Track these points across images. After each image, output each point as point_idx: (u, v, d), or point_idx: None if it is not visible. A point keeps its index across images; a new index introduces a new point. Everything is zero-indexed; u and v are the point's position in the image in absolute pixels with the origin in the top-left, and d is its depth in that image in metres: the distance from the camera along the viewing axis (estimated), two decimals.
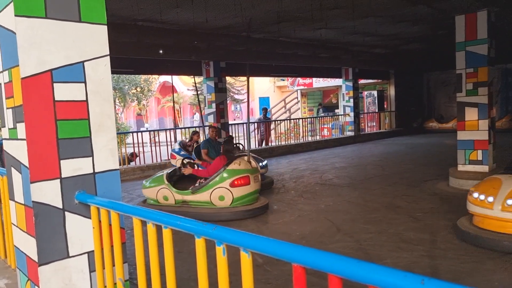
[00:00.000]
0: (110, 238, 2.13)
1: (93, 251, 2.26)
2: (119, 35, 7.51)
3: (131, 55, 9.20)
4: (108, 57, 2.38)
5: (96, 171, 2.32)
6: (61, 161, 2.18)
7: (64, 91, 2.19)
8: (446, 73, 18.43)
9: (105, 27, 2.36)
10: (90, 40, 2.29)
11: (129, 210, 1.88)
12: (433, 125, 18.86)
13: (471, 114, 6.89)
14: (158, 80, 29.01)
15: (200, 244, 1.46)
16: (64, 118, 2.20)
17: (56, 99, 2.16)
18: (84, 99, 2.27)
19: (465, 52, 6.85)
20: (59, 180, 2.18)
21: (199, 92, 11.75)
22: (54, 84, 2.16)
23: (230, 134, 11.62)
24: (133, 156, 11.23)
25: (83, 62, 2.26)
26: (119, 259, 2.09)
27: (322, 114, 18.32)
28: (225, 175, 5.72)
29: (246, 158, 6.26)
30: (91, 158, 2.30)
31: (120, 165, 10.20)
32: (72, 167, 2.22)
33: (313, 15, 7.33)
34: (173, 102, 12.52)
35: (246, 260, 1.29)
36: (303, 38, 10.08)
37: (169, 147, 11.07)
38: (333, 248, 4.39)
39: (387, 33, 9.82)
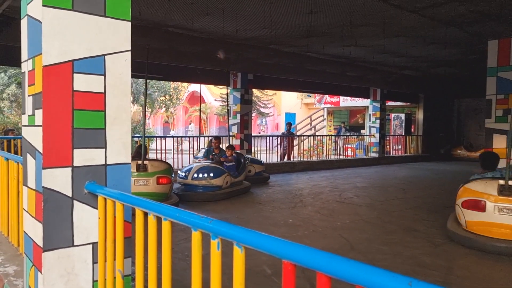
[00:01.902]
0: (114, 231, 2.13)
1: (97, 242, 2.27)
2: (150, 40, 7.68)
3: (161, 61, 9.39)
4: (129, 52, 2.42)
5: (108, 163, 2.34)
6: (74, 150, 2.22)
7: (83, 82, 2.24)
8: (478, 101, 17.96)
9: (129, 23, 2.41)
10: (113, 35, 2.34)
11: (132, 200, 1.88)
12: (461, 153, 18.37)
13: (499, 142, 6.66)
14: (187, 89, 29.48)
15: (196, 237, 1.45)
16: (81, 108, 2.24)
17: (74, 89, 2.21)
18: (102, 91, 2.31)
19: (496, 78, 6.67)
20: (70, 168, 2.21)
21: (226, 103, 11.86)
22: (74, 75, 2.21)
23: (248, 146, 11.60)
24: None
25: (104, 55, 2.31)
26: (120, 252, 2.08)
27: (343, 134, 18.11)
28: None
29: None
30: (104, 149, 2.32)
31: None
32: (84, 156, 2.25)
33: (342, 32, 7.32)
34: (200, 110, 12.63)
35: (238, 256, 1.26)
36: (332, 55, 10.06)
37: (192, 155, 11.18)
38: None
39: (417, 54, 9.69)
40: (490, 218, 4.80)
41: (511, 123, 5.58)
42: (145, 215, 1.78)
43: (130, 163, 2.43)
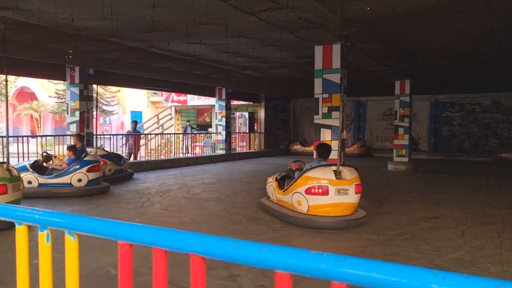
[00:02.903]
0: None
1: None
2: None
3: None
4: None
5: None
6: None
7: None
8: (310, 101, 20.12)
9: None
10: None
11: None
12: (297, 148, 20.36)
13: (325, 135, 7.60)
14: (14, 84, 25.98)
15: (21, 232, 1.31)
16: None
17: None
18: None
19: (322, 79, 7.59)
20: None
21: (62, 100, 10.87)
22: None
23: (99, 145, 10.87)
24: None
25: None
26: None
27: (189, 132, 18.37)
28: None
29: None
30: None
31: None
32: None
33: (187, 29, 7.39)
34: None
35: (71, 244, 1.19)
36: (178, 52, 10.06)
37: (23, 159, 9.94)
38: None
39: (257, 55, 10.39)
40: (331, 200, 5.57)
41: (340, 119, 6.59)
42: None
43: None
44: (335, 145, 7.57)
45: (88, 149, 9.11)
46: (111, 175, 9.75)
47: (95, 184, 8.26)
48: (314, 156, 6.50)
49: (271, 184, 6.73)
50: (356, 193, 5.71)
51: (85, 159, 8.16)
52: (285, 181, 6.68)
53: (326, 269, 0.82)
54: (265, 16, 6.06)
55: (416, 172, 12.71)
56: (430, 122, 18.40)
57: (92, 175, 8.11)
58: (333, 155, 7.59)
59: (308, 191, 5.64)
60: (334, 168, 5.75)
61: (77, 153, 8.35)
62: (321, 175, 5.67)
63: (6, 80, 5.96)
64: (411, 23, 7.24)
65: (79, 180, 7.93)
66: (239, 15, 6.14)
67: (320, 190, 5.56)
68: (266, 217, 6.29)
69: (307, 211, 5.71)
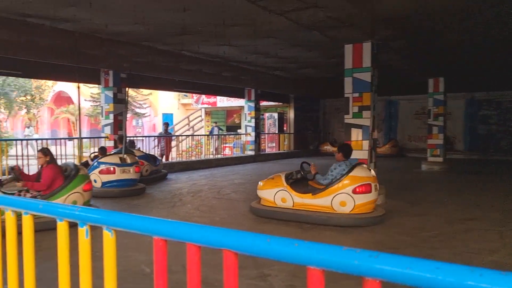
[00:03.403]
0: None
1: None
2: (3, 31, 6.87)
3: (18, 56, 8.45)
4: None
5: None
6: None
7: None
8: (340, 101, 19.90)
9: None
10: None
11: None
12: (327, 148, 20.15)
13: (356, 135, 7.50)
14: (52, 88, 26.98)
15: (62, 228, 1.37)
16: None
17: None
18: None
19: (352, 78, 7.50)
20: None
21: (97, 104, 11.20)
22: None
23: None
24: (13, 170, 10.13)
25: None
26: None
27: (216, 133, 18.50)
28: None
29: None
30: None
31: None
32: None
33: (216, 31, 7.47)
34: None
35: (109, 239, 1.24)
36: (207, 54, 10.19)
37: (62, 160, 10.29)
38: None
39: (286, 56, 10.38)
40: (373, 197, 5.88)
41: (371, 118, 6.54)
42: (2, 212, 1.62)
43: None
44: (365, 145, 7.48)
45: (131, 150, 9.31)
46: (148, 176, 9.98)
47: (129, 186, 8.40)
48: (336, 157, 6.27)
49: (283, 189, 6.26)
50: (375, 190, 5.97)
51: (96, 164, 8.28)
52: (301, 184, 6.42)
53: (359, 265, 0.82)
54: (293, 16, 6.05)
55: (451, 172, 12.35)
56: (466, 120, 17.82)
57: (105, 178, 8.18)
58: (363, 154, 7.51)
59: (354, 191, 5.76)
60: (365, 166, 6.10)
61: (105, 154, 8.60)
62: (364, 174, 5.88)
63: (79, 87, 6.28)
64: (444, 18, 7.05)
65: (95, 181, 7.92)
66: (267, 15, 6.16)
67: (365, 189, 5.78)
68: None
69: (350, 211, 5.78)
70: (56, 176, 5.65)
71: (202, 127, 23.98)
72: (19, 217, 1.52)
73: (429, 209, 6.87)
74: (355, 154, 7.51)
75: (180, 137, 18.03)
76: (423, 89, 13.89)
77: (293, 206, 6.18)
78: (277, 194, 6.30)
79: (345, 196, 5.76)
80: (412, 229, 5.52)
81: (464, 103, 17.79)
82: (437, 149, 13.13)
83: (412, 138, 19.28)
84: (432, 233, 5.32)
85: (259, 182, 6.72)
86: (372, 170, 6.24)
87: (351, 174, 5.83)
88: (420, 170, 13.06)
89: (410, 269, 0.77)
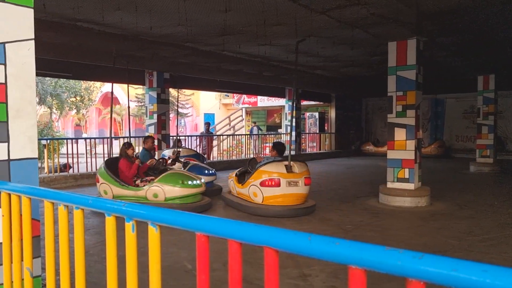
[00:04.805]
0: (20, 229, 2.01)
1: (1, 243, 2.12)
2: (56, 35, 7.23)
3: (69, 58, 8.88)
4: (33, 41, 2.29)
5: (11, 158, 2.20)
6: None
7: None
8: (383, 100, 19.43)
9: (31, 10, 2.28)
10: (14, 22, 2.20)
11: (39, 192, 1.80)
12: (369, 148, 19.75)
13: (400, 135, 7.30)
14: (100, 89, 28.11)
15: (110, 223, 1.43)
16: None
17: None
18: (3, 82, 2.16)
19: (396, 76, 7.30)
20: None
21: (141, 104, 11.55)
22: None
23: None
24: (66, 168, 10.67)
25: (4, 43, 2.16)
26: (28, 251, 1.97)
27: (256, 133, 18.50)
28: None
29: None
30: (6, 144, 2.18)
31: (51, 173, 9.70)
32: None
33: (257, 31, 7.51)
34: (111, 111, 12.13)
35: (154, 234, 1.28)
36: (248, 54, 10.25)
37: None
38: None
39: (327, 54, 10.25)
40: (282, 191, 6.22)
41: (415, 117, 6.38)
42: (55, 207, 1.71)
43: (37, 158, 2.31)
44: (409, 145, 7.25)
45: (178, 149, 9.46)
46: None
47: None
48: (270, 155, 7.02)
49: (232, 180, 7.16)
50: (305, 185, 6.37)
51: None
52: (244, 176, 7.05)
53: (402, 266, 0.81)
54: (335, 14, 5.97)
55: (502, 174, 11.76)
56: None
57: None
58: (408, 155, 7.28)
59: (262, 184, 6.24)
60: (285, 163, 6.38)
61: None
62: (275, 170, 6.26)
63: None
64: (494, 11, 6.71)
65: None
66: (309, 14, 6.12)
67: (273, 183, 6.21)
68: (337, 218, 6.20)
69: (261, 202, 6.29)
70: None
71: (243, 126, 24.17)
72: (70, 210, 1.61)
73: (478, 212, 6.58)
74: (399, 155, 7.34)
75: (221, 136, 18.26)
76: (472, 87, 13.30)
77: (237, 194, 6.95)
78: (230, 184, 7.28)
79: (255, 188, 6.33)
80: (460, 233, 5.32)
81: None
82: (487, 150, 12.54)
83: (459, 138, 18.51)
84: (481, 237, 5.10)
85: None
86: (304, 166, 6.55)
87: (262, 168, 6.30)
88: (468, 171, 12.52)
89: (456, 271, 0.75)
